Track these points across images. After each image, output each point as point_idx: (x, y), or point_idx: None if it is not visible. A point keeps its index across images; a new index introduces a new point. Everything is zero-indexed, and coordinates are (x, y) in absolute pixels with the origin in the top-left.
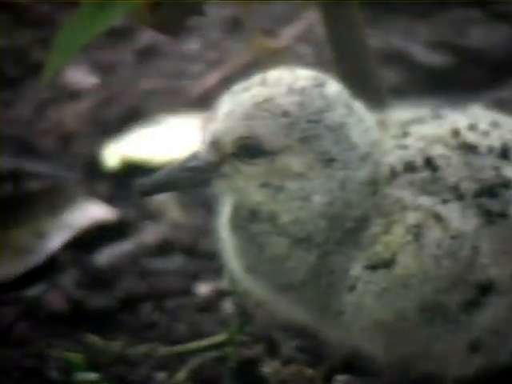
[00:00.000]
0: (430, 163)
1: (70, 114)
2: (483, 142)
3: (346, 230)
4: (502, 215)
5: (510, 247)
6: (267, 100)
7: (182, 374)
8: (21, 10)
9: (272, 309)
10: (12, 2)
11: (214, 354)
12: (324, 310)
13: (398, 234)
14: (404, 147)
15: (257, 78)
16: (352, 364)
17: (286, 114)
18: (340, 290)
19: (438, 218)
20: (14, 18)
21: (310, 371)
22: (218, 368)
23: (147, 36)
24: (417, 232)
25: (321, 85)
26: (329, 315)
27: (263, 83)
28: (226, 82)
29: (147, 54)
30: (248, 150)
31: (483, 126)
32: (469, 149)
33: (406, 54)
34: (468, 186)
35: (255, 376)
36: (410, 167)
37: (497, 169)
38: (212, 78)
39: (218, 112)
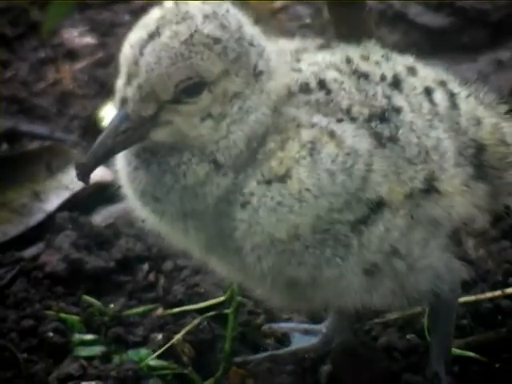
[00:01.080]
0: (323, 86)
1: (67, 74)
2: (375, 71)
3: (252, 149)
4: (392, 139)
5: (399, 169)
6: (193, 34)
7: (179, 336)
8: None
9: (166, 238)
10: None
11: (211, 315)
12: (219, 236)
13: (293, 149)
14: (299, 70)
15: (152, 21)
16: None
17: (216, 40)
18: (234, 209)
19: (332, 135)
20: None
21: None
22: (215, 329)
23: None
24: (312, 147)
25: (227, 9)
26: (223, 240)
27: (171, 21)
28: None
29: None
30: (189, 89)
31: (375, 57)
32: (361, 76)
33: (405, 14)
34: (360, 110)
35: (255, 337)
36: (305, 88)
37: (388, 97)
38: None
39: (133, 66)
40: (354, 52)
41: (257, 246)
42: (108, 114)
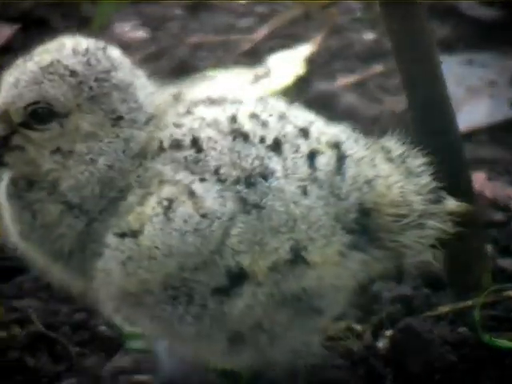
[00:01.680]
0: (195, 144)
1: None
2: (257, 132)
3: (111, 198)
4: (257, 205)
5: (265, 239)
6: (53, 63)
7: None
8: None
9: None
10: None
11: None
12: (86, 278)
13: (150, 205)
14: (178, 125)
15: (39, 48)
16: (398, 319)
17: (73, 73)
18: (95, 257)
19: (191, 194)
20: None
21: (358, 327)
22: None
23: None
24: (167, 205)
25: (104, 47)
26: (90, 283)
27: (45, 51)
28: (275, 37)
29: (196, 9)
30: (38, 115)
31: (266, 115)
32: (240, 136)
33: (456, 8)
34: (228, 172)
35: None
36: (176, 145)
37: (261, 159)
38: (261, 33)
39: (1, 86)
40: (246, 109)
41: (111, 297)
42: None
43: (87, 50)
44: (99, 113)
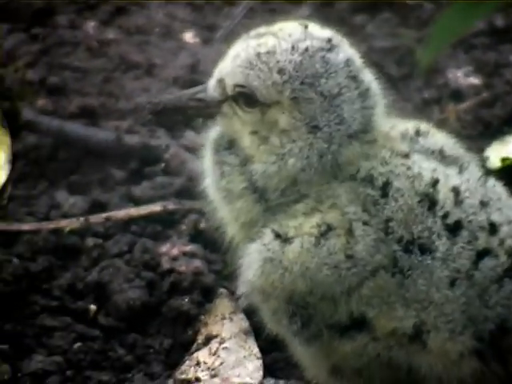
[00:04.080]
0: (384, 188)
1: (452, 115)
2: (446, 207)
3: (291, 198)
4: (402, 273)
5: (395, 305)
6: (268, 53)
7: None
8: (407, 10)
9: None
10: (397, 2)
11: None
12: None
13: (311, 222)
14: (384, 163)
15: (274, 26)
16: None
17: (281, 71)
18: (250, 240)
19: (349, 231)
20: (400, 17)
21: None
22: None
23: None
24: (324, 231)
25: (329, 49)
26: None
27: (275, 34)
28: None
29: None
30: (244, 97)
31: (467, 195)
32: (427, 201)
33: None
34: (396, 228)
35: None
36: (369, 180)
37: (432, 233)
38: None
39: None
40: (454, 180)
41: (244, 280)
42: (492, 154)
43: (307, 49)
44: (297, 115)
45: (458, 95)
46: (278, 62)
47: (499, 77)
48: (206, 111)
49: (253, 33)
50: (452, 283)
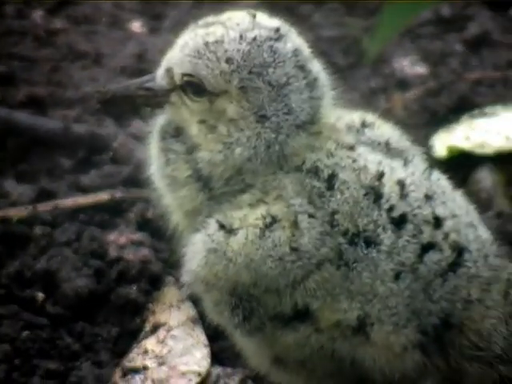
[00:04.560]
0: (330, 180)
1: (398, 104)
2: (392, 200)
3: (235, 188)
4: (347, 265)
5: (339, 297)
6: (216, 42)
7: None
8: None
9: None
10: None
11: None
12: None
13: (256, 213)
14: (330, 155)
15: (223, 16)
16: None
17: (229, 60)
18: (195, 230)
19: (294, 224)
20: (346, 7)
21: None
22: None
23: (477, 26)
24: (269, 223)
25: (276, 39)
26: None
27: (223, 23)
28: None
29: (476, 44)
30: (192, 86)
31: (413, 189)
32: (373, 194)
33: None
34: (341, 220)
35: None
36: (314, 172)
37: (377, 226)
38: None
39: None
40: (400, 174)
41: (188, 270)
42: (437, 143)
43: (254, 39)
44: (245, 104)
45: (404, 84)
46: (226, 51)
47: (445, 66)
48: (155, 100)
49: (201, 22)
50: (397, 276)
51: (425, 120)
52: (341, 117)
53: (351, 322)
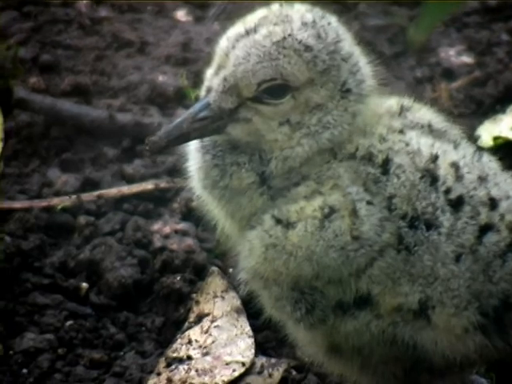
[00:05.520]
0: (385, 165)
1: (444, 93)
2: (448, 182)
3: (293, 179)
4: (408, 249)
5: (400, 280)
6: (285, 38)
7: None
8: None
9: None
10: None
11: None
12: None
13: (313, 205)
14: (382, 139)
15: (254, 19)
16: None
17: (307, 48)
18: (250, 227)
19: (353, 212)
20: None
21: None
22: None
23: None
24: (327, 213)
25: (324, 16)
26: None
27: (270, 21)
28: None
29: None
30: (273, 91)
31: (467, 170)
32: (429, 177)
33: None
34: (399, 204)
35: None
36: (368, 158)
37: (436, 208)
38: None
39: (224, 58)
40: (453, 155)
41: (245, 268)
42: (483, 133)
43: (315, 22)
44: (330, 85)
45: (450, 74)
46: (300, 41)
47: (491, 55)
48: (212, 127)
49: (236, 31)
50: (457, 258)
51: (471, 110)
52: (379, 103)
53: (412, 305)
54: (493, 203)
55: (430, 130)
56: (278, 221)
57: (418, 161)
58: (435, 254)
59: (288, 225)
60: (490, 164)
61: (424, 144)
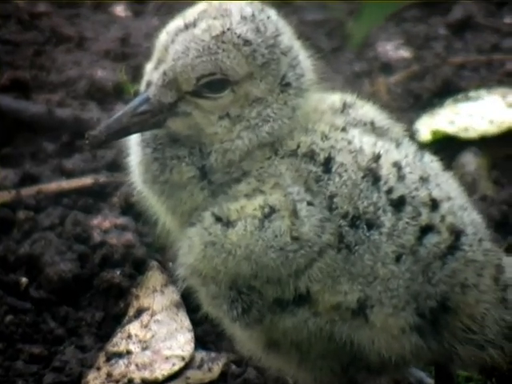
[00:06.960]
0: (327, 164)
1: (382, 87)
2: (390, 182)
3: (233, 177)
4: (349, 248)
5: (340, 279)
6: (224, 32)
7: None
8: None
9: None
10: None
11: None
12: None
13: (254, 204)
14: (324, 137)
15: (193, 13)
16: None
17: (247, 42)
18: (189, 224)
19: (294, 212)
20: None
21: None
22: None
23: (461, 9)
24: (267, 213)
25: (263, 10)
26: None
27: (210, 16)
28: None
29: (460, 28)
30: (212, 85)
31: (409, 170)
32: (371, 176)
33: None
34: (340, 203)
35: None
36: (310, 156)
37: (377, 208)
38: None
39: (163, 52)
40: (395, 155)
41: (184, 265)
42: (422, 127)
43: (254, 16)
44: (270, 79)
45: (388, 68)
46: (239, 35)
47: (429, 49)
48: (152, 121)
49: (175, 25)
50: (397, 258)
51: (409, 104)
52: (321, 99)
53: (351, 304)
54: (434, 204)
55: (372, 127)
56: (218, 219)
57: (360, 160)
58: (376, 254)
59: (228, 223)
60: (432, 164)
61: (366, 142)
